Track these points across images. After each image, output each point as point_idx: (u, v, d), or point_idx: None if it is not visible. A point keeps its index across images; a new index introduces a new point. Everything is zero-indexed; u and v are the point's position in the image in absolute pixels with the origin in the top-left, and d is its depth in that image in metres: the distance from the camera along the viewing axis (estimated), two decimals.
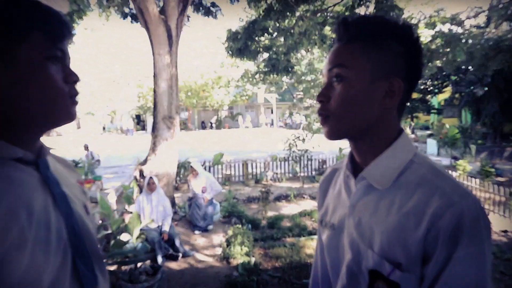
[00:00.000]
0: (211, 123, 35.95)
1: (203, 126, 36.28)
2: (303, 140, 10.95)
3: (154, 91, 7.08)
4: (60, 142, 25.90)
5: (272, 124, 35.41)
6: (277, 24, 9.89)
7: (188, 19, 10.65)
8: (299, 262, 4.66)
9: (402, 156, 0.84)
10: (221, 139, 24.86)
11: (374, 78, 0.82)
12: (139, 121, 38.31)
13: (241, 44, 10.23)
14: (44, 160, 0.84)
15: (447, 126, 16.39)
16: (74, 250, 0.82)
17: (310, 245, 5.23)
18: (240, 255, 4.81)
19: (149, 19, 6.59)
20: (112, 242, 5.19)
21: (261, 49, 10.85)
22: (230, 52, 10.74)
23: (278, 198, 8.06)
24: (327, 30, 9.23)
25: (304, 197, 8.24)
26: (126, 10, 9.61)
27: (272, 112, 35.50)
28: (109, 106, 35.99)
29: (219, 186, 6.82)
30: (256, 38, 10.45)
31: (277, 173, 10.58)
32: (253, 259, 4.71)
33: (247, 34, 10.15)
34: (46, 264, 0.74)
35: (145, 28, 6.80)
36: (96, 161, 10.96)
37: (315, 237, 5.46)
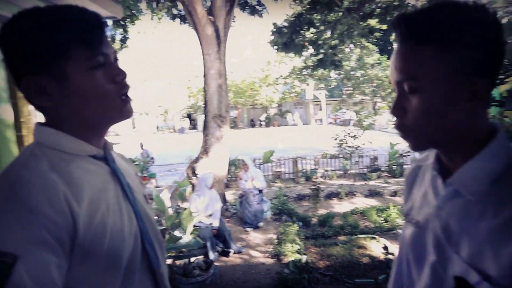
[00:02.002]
0: (260, 121, 36.14)
1: (252, 124, 36.57)
2: (354, 136, 10.72)
3: (204, 90, 7.23)
4: (117, 141, 27.19)
5: (321, 121, 34.96)
6: (323, 17, 9.71)
7: (234, 19, 10.79)
8: (351, 261, 4.57)
9: (497, 160, 0.74)
10: (270, 137, 24.92)
11: (452, 82, 0.71)
12: (191, 120, 39.29)
13: (287, 38, 10.15)
14: (110, 155, 0.94)
15: (510, 119, 15.33)
16: (144, 234, 0.92)
17: (362, 244, 5.12)
18: (291, 252, 4.80)
19: (197, 20, 6.73)
20: (167, 237, 5.38)
21: (307, 43, 10.71)
22: (275, 46, 10.71)
23: (329, 196, 7.95)
24: (375, 22, 8.93)
25: (355, 195, 8.06)
26: (175, 12, 9.89)
27: (321, 109, 35.06)
28: (161, 106, 37.23)
29: (264, 183, 6.79)
30: (302, 32, 10.33)
31: (327, 171, 10.44)
32: (304, 257, 4.69)
33: (292, 28, 10.07)
34: (122, 246, 0.83)
35: (194, 29, 6.96)
36: (150, 159, 11.33)
37: (368, 236, 5.39)
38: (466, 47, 0.70)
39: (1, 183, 0.75)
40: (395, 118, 0.80)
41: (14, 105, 7.04)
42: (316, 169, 10.34)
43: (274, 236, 5.57)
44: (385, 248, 5.00)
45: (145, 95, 35.06)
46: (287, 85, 31.33)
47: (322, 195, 7.67)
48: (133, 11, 7.25)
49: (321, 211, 6.76)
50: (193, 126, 38.54)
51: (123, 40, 10.34)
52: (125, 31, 10.02)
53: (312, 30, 10.46)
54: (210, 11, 6.97)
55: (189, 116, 38.91)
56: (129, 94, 0.89)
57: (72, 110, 0.83)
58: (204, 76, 7.15)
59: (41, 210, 0.70)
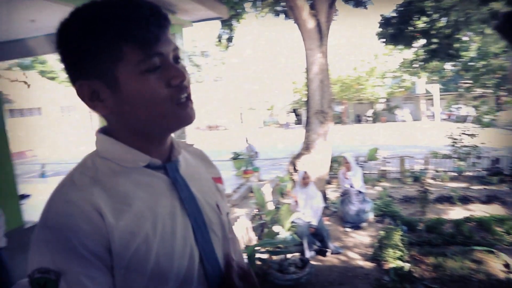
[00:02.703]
0: (367, 117, 34.78)
1: (358, 119, 35.35)
2: (471, 135, 9.65)
3: (307, 85, 7.17)
4: (226, 135, 28.61)
5: (433, 116, 32.30)
6: (436, 4, 8.87)
7: (336, 12, 10.48)
8: (462, 276, 4.09)
9: None
10: (376, 133, 23.86)
11: None
12: (296, 115, 39.51)
13: (395, 29, 9.53)
14: (172, 164, 0.86)
15: None
16: (202, 253, 0.84)
17: (477, 258, 4.55)
18: (392, 258, 4.51)
19: (299, 15, 6.68)
20: (266, 231, 5.48)
21: (418, 34, 9.92)
22: (382, 39, 10.14)
23: (439, 200, 7.27)
24: (499, 4, 7.86)
25: (471, 200, 7.21)
26: (279, 8, 9.95)
27: (433, 104, 32.37)
28: (268, 101, 38.07)
29: (362, 184, 6.46)
30: (412, 22, 9.59)
31: (438, 172, 9.58)
32: (407, 265, 4.36)
33: (401, 18, 9.41)
34: (170, 268, 0.77)
35: (296, 23, 6.91)
36: (255, 153, 11.62)
37: (484, 249, 4.78)
38: None
39: (51, 195, 0.75)
40: None
41: None
42: (426, 169, 9.56)
43: (375, 239, 5.29)
44: (506, 265, 4.37)
45: (252, 90, 36.23)
46: (396, 79, 29.64)
47: (431, 198, 7.05)
48: (238, 10, 7.48)
49: (430, 216, 6.21)
50: (299, 121, 38.67)
51: (230, 39, 10.76)
52: (231, 30, 10.40)
53: (424, 18, 9.64)
54: (312, 5, 6.86)
55: (294, 111, 39.15)
56: (190, 97, 0.80)
57: (125, 117, 0.77)
58: (306, 71, 7.08)
59: (77, 227, 0.69)
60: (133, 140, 0.80)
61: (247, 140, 11.98)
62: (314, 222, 5.18)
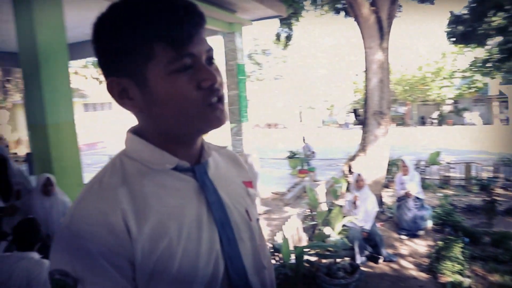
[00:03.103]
0: (432, 119, 33.02)
1: (422, 121, 33.67)
2: None
3: (365, 85, 6.94)
4: (284, 134, 28.60)
5: (507, 120, 29.86)
6: None
7: (400, 9, 10.01)
8: None
9: None
10: (441, 137, 22.57)
11: None
12: (356, 116, 38.55)
13: (466, 27, 8.92)
14: (200, 166, 0.83)
15: None
16: (228, 260, 0.81)
17: None
18: (451, 272, 4.21)
19: (358, 11, 6.46)
20: (316, 233, 5.38)
21: (492, 32, 9.20)
22: (452, 38, 9.54)
23: (509, 212, 6.69)
24: None
25: None
26: (339, 6, 9.72)
27: (507, 107, 29.89)
28: (327, 100, 37.49)
29: (419, 190, 6.10)
30: (486, 19, 8.90)
31: (509, 181, 8.84)
32: (467, 280, 4.06)
33: (473, 15, 8.78)
34: (194, 275, 0.74)
35: (356, 21, 6.70)
36: (311, 153, 11.50)
37: None
38: None
39: (81, 194, 0.75)
40: None
41: None
42: (495, 177, 8.86)
43: (432, 249, 4.98)
44: None
45: (312, 89, 35.87)
46: (466, 79, 27.81)
47: (500, 210, 6.51)
48: (297, 8, 7.42)
49: (497, 229, 5.73)
50: (359, 121, 37.69)
51: (288, 38, 10.70)
52: (290, 29, 10.34)
53: (501, 14, 8.92)
54: (373, 1, 6.60)
55: (354, 111, 38.23)
56: (221, 100, 0.77)
57: (154, 117, 0.75)
58: (365, 70, 6.85)
59: (99, 237, 0.68)
60: (161, 141, 0.78)
61: (304, 140, 11.87)
62: (367, 227, 5.00)
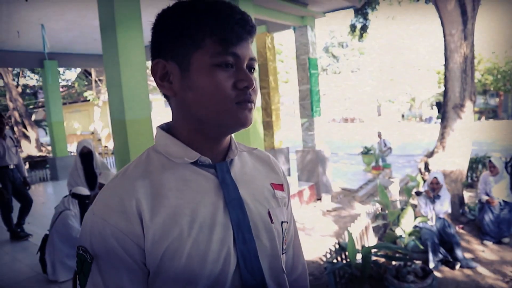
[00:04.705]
0: None
1: None
2: None
3: (445, 76, 6.43)
4: (362, 128, 27.70)
5: None
6: None
7: None
8: None
9: None
10: None
11: None
12: (440, 109, 36.10)
13: None
14: (223, 164, 0.86)
15: None
16: (241, 259, 0.81)
17: None
18: None
19: None
20: (386, 233, 5.13)
21: None
22: None
23: None
24: None
25: None
26: None
27: None
28: (408, 93, 35.58)
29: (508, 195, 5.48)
30: None
31: None
32: None
33: None
34: (202, 268, 0.76)
35: (435, 6, 6.21)
36: (387, 148, 11.04)
37: None
38: None
39: (110, 181, 0.82)
40: None
41: (266, 94, 8.12)
42: None
43: None
44: None
45: (391, 82, 34.24)
46: None
47: None
48: None
49: None
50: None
51: (364, 28, 10.28)
52: (366, 19, 9.92)
53: None
54: None
55: (438, 104, 35.83)
56: (250, 103, 0.81)
57: (187, 104, 0.80)
58: (446, 59, 6.34)
59: (115, 221, 0.74)
60: (189, 135, 0.83)
61: (380, 135, 11.40)
62: (438, 228, 4.65)
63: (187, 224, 0.76)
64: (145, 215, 0.74)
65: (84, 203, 4.41)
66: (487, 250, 4.91)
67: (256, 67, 0.84)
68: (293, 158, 8.52)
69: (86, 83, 21.17)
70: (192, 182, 0.81)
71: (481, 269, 4.36)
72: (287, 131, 17.38)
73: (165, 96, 0.85)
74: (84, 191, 4.50)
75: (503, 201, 5.31)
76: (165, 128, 0.87)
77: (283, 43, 31.32)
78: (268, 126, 8.17)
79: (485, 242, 5.16)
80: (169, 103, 0.86)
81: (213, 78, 0.76)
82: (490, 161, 5.73)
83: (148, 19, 0.96)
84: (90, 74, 19.65)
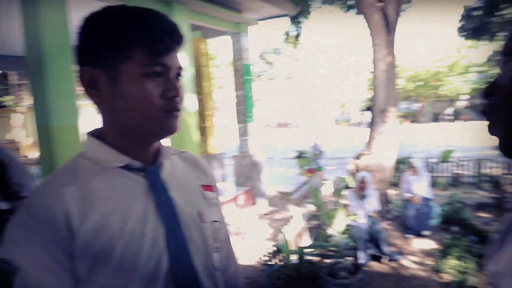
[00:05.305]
0: (446, 115, 32.51)
1: (436, 118, 33.20)
2: None
3: (373, 82, 6.87)
4: (296, 133, 28.51)
5: None
6: None
7: (410, 4, 9.86)
8: None
9: None
10: (455, 133, 22.22)
11: None
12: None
13: (477, 21, 8.75)
14: (153, 167, 0.88)
15: None
16: (174, 259, 0.83)
17: None
18: (456, 271, 4.14)
19: (366, 7, 6.38)
20: (320, 233, 5.35)
21: (504, 26, 9.01)
22: (463, 33, 9.37)
23: None
24: None
25: None
26: (350, 2, 9.63)
27: None
28: (340, 99, 37.28)
29: (428, 192, 5.97)
30: (497, 13, 8.71)
31: None
32: (472, 279, 3.98)
33: (485, 8, 8.60)
34: (135, 268, 0.77)
35: (364, 17, 6.62)
36: (320, 152, 11.46)
37: None
38: None
39: (34, 189, 0.80)
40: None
41: (201, 99, 8.08)
42: (507, 174, 8.67)
43: (438, 248, 4.90)
44: None
45: (323, 88, 35.67)
46: (482, 73, 27.38)
47: (511, 207, 6.38)
48: (304, 6, 7.36)
49: None
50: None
51: (297, 36, 10.63)
52: (299, 27, 10.28)
53: None
54: None
55: (368, 109, 37.93)
56: (177, 111, 0.84)
57: (116, 113, 0.81)
58: (373, 68, 6.77)
59: (41, 228, 0.72)
60: (117, 140, 0.84)
61: (313, 139, 11.81)
62: (367, 225, 4.94)
63: (118, 228, 0.77)
64: (74, 221, 0.74)
65: (2, 218, 4.09)
66: (409, 243, 5.30)
67: (183, 74, 0.87)
68: (229, 164, 8.57)
69: (3, 87, 19.52)
70: (122, 186, 0.82)
71: (404, 261, 4.69)
72: (223, 136, 17.44)
73: (94, 103, 0.84)
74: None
75: (424, 197, 5.76)
76: (95, 134, 0.88)
77: (218, 49, 31.39)
78: (202, 131, 8.14)
79: (408, 235, 5.56)
80: (98, 110, 0.86)
81: (142, 87, 0.78)
82: (409, 161, 6.23)
83: (75, 20, 0.94)
84: (6, 77, 18.21)
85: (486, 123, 0.62)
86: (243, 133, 7.88)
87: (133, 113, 0.79)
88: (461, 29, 9.78)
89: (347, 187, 6.59)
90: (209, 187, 1.01)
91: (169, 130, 0.83)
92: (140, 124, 0.81)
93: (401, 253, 4.92)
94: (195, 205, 0.93)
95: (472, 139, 18.58)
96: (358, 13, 9.88)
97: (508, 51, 0.60)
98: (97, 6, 0.85)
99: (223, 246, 1.07)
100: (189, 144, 5.99)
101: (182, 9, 5.62)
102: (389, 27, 6.46)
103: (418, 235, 5.54)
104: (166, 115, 0.81)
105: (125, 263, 0.76)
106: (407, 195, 5.88)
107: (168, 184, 0.88)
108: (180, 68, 0.84)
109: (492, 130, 0.62)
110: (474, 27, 9.33)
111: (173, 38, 0.80)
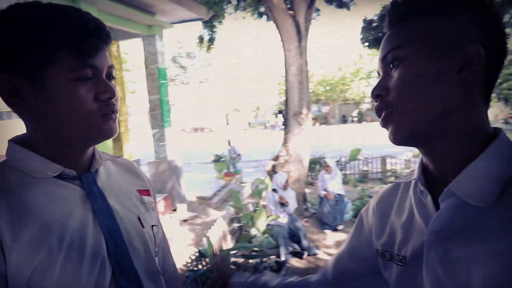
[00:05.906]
0: (352, 117, 35.03)
1: (344, 120, 35.60)
2: None
3: (286, 87, 7.14)
4: (211, 137, 28.48)
5: None
6: None
7: (318, 13, 10.47)
8: None
9: (506, 163, 0.62)
10: (361, 134, 24.01)
11: (442, 50, 0.63)
12: (283, 117, 39.59)
13: (378, 33, 9.59)
14: (88, 175, 0.83)
15: None
16: (116, 266, 0.80)
17: None
18: None
19: (277, 15, 6.64)
20: (243, 235, 5.41)
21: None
22: (365, 43, 10.18)
23: None
24: None
25: None
26: (262, 9, 9.90)
27: None
28: (253, 103, 38.11)
29: (341, 189, 6.42)
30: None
31: None
32: None
33: (383, 21, 9.48)
34: (77, 281, 0.73)
35: (275, 24, 6.87)
36: (237, 155, 11.58)
37: None
38: (454, 17, 0.63)
39: None
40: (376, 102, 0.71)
41: None
42: (408, 168, 9.62)
43: None
44: None
45: (237, 92, 36.20)
46: None
47: None
48: (218, 11, 7.43)
49: None
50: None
51: (211, 40, 10.66)
52: (213, 31, 10.31)
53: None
54: (291, 6, 6.82)
55: (281, 112, 39.29)
56: (114, 113, 0.80)
57: (45, 121, 0.75)
58: (285, 72, 7.05)
59: None
60: (48, 148, 0.78)
61: (229, 143, 11.93)
62: (287, 223, 5.14)
63: (57, 240, 0.72)
64: (5, 238, 0.68)
65: None
66: (326, 238, 5.61)
67: (115, 74, 0.82)
68: (145, 171, 8.28)
69: None
70: (57, 196, 0.77)
71: (322, 254, 4.96)
72: (137, 142, 16.77)
73: (17, 112, 0.77)
74: None
75: (338, 194, 6.14)
76: (18, 141, 0.79)
77: (128, 51, 30.22)
78: (116, 138, 7.77)
79: (325, 230, 5.88)
80: (21, 118, 0.79)
81: (73, 93, 0.72)
82: (325, 161, 6.59)
83: None
84: None
85: (380, 119, 0.71)
86: (160, 139, 7.68)
87: (67, 121, 0.74)
88: (363, 39, 10.59)
89: (266, 189, 6.75)
90: (146, 192, 0.99)
91: (107, 134, 0.78)
92: (77, 132, 0.75)
93: (318, 247, 5.18)
94: (134, 211, 0.90)
95: (376, 138, 20.22)
96: (269, 19, 10.26)
97: (382, 58, 0.70)
98: (5, 3, 0.76)
99: (160, 249, 1.06)
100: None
101: (92, 10, 5.33)
102: (300, 34, 6.79)
103: (334, 229, 5.89)
104: (102, 119, 0.76)
105: (66, 274, 0.72)
106: (323, 193, 6.21)
107: (105, 191, 0.84)
108: (111, 67, 0.79)
109: (384, 123, 0.70)
110: (374, 38, 10.18)
111: (100, 37, 0.74)
